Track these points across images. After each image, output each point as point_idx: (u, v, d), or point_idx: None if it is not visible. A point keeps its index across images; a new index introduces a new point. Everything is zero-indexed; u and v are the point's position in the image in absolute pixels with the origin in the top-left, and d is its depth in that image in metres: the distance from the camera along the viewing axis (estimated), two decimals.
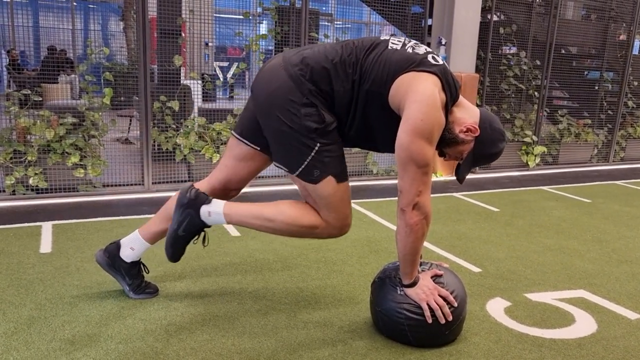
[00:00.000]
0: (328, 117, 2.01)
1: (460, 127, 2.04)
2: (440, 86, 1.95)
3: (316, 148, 2.01)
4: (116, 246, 2.40)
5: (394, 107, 1.97)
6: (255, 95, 2.12)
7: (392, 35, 2.14)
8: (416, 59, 1.97)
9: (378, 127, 2.07)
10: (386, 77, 1.96)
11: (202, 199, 2.21)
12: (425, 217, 1.97)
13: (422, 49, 2.02)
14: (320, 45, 2.13)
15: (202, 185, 2.36)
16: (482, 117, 2.08)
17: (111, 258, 2.40)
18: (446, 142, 2.05)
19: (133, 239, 2.40)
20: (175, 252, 2.29)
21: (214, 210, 2.20)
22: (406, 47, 2.02)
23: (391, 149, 2.01)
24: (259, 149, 2.24)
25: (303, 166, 2.04)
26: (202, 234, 2.29)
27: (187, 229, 2.22)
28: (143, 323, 2.22)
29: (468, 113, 2.07)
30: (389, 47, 2.02)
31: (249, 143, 2.25)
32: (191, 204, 2.20)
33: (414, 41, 2.09)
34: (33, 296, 2.43)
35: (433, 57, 2.00)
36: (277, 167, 2.17)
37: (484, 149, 2.08)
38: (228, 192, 2.38)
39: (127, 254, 2.39)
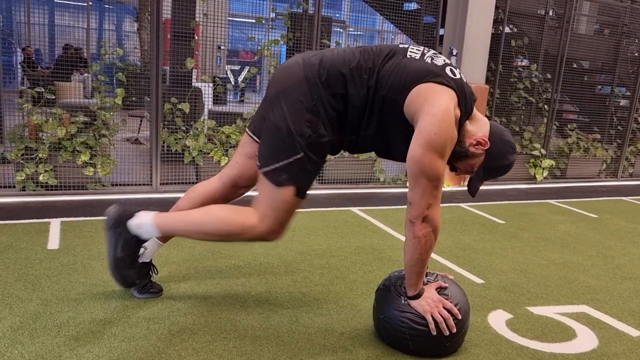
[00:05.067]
0: (322, 129, 2.02)
1: (470, 140, 2.06)
2: (456, 102, 1.96)
3: (298, 156, 2.02)
4: None
5: (408, 117, 1.99)
6: (268, 89, 2.14)
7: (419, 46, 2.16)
8: (434, 71, 1.97)
9: (393, 133, 2.08)
10: (403, 85, 1.97)
11: (127, 213, 2.25)
12: (433, 229, 1.99)
13: (440, 60, 2.03)
14: (340, 49, 2.14)
15: (213, 182, 2.40)
16: (492, 129, 2.09)
17: None
18: (457, 156, 2.06)
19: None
20: (123, 276, 2.35)
21: (143, 222, 2.24)
22: (425, 57, 2.03)
23: (405, 157, 2.01)
24: None
25: (277, 165, 2.04)
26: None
27: (124, 247, 2.26)
28: (146, 322, 2.25)
29: (478, 126, 2.08)
30: (408, 56, 2.03)
31: (258, 140, 2.26)
32: (117, 222, 2.24)
33: (433, 51, 2.09)
34: (39, 292, 2.46)
35: (451, 70, 2.01)
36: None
37: (494, 162, 2.09)
38: (237, 189, 2.40)
39: (140, 252, 2.42)
